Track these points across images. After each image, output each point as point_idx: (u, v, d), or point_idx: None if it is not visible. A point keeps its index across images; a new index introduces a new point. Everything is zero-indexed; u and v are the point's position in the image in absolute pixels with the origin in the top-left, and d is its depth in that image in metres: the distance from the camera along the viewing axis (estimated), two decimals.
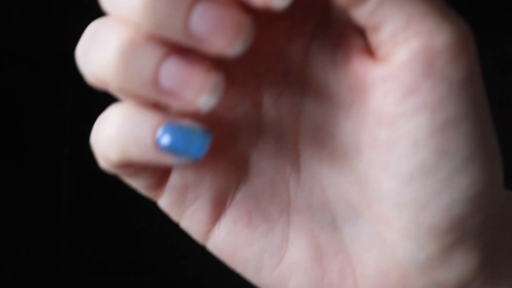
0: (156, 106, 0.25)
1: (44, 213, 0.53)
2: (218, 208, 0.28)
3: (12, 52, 0.50)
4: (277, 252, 0.28)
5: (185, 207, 0.28)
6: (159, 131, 0.25)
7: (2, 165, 0.52)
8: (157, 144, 0.25)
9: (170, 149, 0.25)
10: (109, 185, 0.51)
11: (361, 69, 0.25)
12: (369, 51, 0.25)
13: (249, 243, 0.28)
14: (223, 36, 0.23)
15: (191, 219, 0.29)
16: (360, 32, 0.26)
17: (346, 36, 0.26)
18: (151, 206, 0.40)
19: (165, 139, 0.25)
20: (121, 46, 0.24)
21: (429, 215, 0.24)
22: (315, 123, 0.27)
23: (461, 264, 0.25)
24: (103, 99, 0.43)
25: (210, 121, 0.27)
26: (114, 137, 0.25)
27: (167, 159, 0.25)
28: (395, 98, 0.24)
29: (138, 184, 0.29)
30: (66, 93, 0.52)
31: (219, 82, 0.24)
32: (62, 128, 0.52)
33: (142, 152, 0.25)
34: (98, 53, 0.25)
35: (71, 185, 0.53)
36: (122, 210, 0.53)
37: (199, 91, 0.24)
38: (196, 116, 0.26)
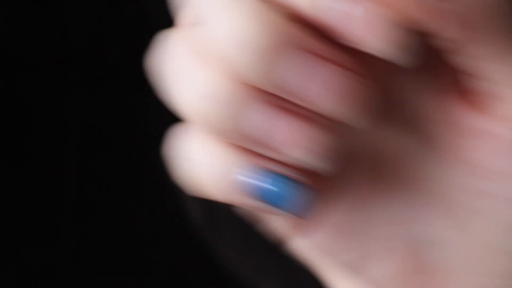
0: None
1: (44, 213, 0.53)
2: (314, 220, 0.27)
3: (12, 52, 0.50)
4: (364, 265, 0.27)
5: None
6: (243, 173, 0.22)
7: (2, 165, 0.52)
8: (237, 186, 0.23)
9: (254, 194, 0.22)
10: (110, 185, 0.51)
11: (457, 114, 0.23)
12: (467, 94, 0.24)
13: (342, 251, 0.27)
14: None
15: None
16: (458, 72, 0.24)
17: (442, 75, 0.24)
18: (152, 207, 0.40)
19: (246, 183, 0.22)
20: (214, 93, 0.21)
21: None
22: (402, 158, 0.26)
23: None
24: (104, 100, 0.43)
25: None
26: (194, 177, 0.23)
27: (253, 204, 0.23)
28: (493, 155, 0.22)
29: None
30: (66, 93, 0.52)
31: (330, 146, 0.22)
32: (62, 128, 0.52)
33: (222, 193, 0.23)
34: (183, 90, 0.22)
35: (71, 186, 0.53)
36: (123, 210, 0.53)
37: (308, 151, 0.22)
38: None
